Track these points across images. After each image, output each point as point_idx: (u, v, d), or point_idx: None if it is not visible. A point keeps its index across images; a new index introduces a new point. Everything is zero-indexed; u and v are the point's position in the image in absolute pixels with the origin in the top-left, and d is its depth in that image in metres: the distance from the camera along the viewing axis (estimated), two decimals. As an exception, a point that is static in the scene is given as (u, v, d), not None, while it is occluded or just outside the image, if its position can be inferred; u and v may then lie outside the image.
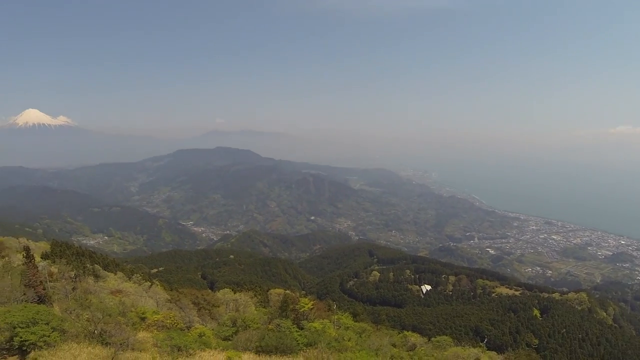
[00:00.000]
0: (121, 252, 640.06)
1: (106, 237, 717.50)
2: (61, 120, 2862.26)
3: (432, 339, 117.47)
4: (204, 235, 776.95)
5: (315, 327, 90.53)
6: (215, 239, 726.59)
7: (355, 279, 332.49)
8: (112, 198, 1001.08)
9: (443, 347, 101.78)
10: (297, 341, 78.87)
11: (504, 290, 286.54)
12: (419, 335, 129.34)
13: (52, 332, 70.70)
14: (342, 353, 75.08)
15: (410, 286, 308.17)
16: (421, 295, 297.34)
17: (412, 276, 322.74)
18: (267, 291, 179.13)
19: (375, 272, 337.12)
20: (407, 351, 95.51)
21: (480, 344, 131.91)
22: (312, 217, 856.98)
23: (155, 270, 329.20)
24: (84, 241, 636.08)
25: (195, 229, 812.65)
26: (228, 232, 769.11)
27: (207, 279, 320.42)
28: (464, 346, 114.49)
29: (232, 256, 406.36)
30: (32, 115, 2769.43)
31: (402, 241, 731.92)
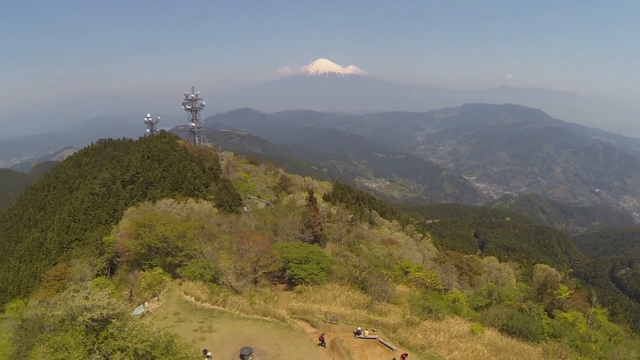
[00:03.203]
0: (401, 198, 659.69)
1: (388, 182, 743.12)
2: (350, 69, 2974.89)
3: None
4: (484, 192, 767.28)
5: (565, 318, 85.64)
6: (495, 197, 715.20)
7: (628, 269, 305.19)
8: (398, 145, 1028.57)
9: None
10: (543, 329, 75.32)
11: None
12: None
13: (320, 271, 76.52)
14: (581, 356, 69.41)
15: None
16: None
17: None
18: (533, 264, 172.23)
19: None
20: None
21: None
22: (597, 190, 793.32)
23: (431, 221, 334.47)
24: (366, 184, 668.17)
25: (476, 184, 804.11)
26: (509, 192, 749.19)
27: (479, 238, 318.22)
28: None
29: (508, 218, 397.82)
30: (323, 65, 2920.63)
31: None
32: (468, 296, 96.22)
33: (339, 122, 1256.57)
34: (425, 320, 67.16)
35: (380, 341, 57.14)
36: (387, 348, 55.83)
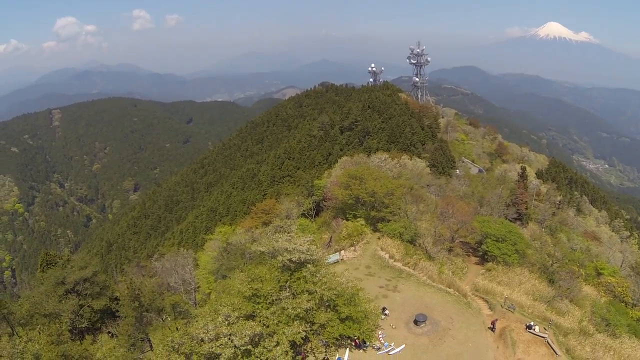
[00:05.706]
0: (617, 185, 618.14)
1: (607, 166, 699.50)
2: (582, 36, 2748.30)
3: None
4: None
5: None
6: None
7: None
8: (624, 127, 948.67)
9: None
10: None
11: None
12: None
13: (514, 253, 77.33)
14: None
15: None
16: None
17: None
18: None
19: None
20: None
21: None
22: None
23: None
24: (584, 163, 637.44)
25: None
26: None
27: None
28: None
29: None
30: (554, 29, 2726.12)
31: None
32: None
33: (565, 93, 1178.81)
34: (600, 332, 64.75)
35: (547, 342, 56.94)
36: (552, 351, 55.63)
